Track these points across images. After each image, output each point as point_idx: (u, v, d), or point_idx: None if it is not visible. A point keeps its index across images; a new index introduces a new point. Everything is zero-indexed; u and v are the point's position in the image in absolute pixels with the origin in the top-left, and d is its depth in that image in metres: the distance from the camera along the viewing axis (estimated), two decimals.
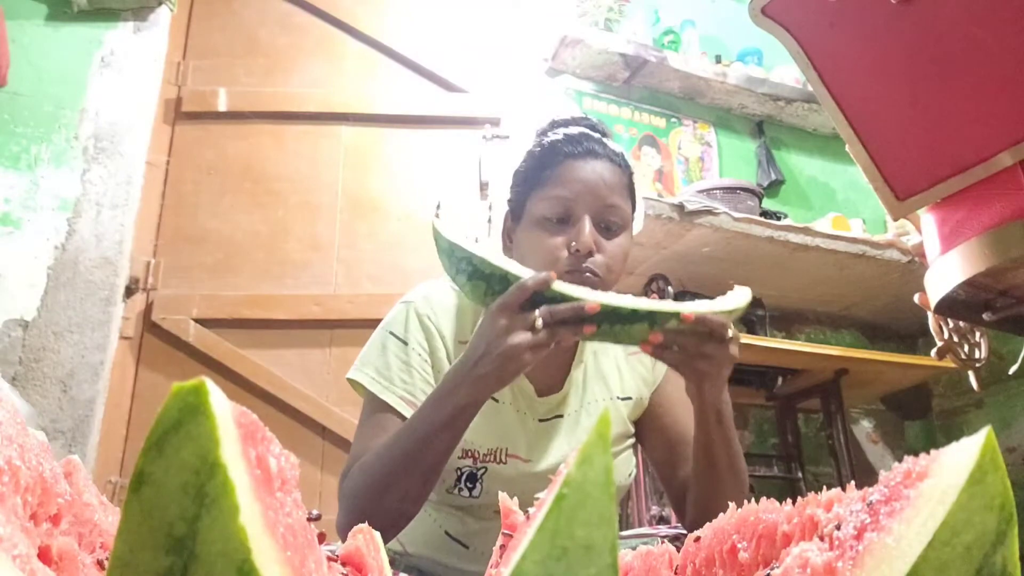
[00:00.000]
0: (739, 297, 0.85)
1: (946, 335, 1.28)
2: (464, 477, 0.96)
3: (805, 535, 0.33)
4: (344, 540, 0.60)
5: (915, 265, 2.26)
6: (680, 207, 2.05)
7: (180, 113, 2.43)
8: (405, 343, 0.97)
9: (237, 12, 2.57)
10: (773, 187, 2.88)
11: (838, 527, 0.31)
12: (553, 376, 1.02)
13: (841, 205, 2.98)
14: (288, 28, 2.58)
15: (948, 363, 1.30)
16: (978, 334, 1.28)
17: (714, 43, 2.99)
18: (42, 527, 0.34)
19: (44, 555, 0.33)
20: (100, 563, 0.37)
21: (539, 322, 0.78)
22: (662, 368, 1.07)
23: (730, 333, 0.81)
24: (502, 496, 0.55)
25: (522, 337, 0.78)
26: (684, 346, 0.80)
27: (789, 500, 0.37)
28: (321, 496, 2.10)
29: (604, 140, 0.99)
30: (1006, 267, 0.96)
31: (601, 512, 0.25)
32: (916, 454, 0.30)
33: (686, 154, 2.84)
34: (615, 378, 1.05)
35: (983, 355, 1.28)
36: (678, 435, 1.02)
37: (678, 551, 0.43)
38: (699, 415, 0.88)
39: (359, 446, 0.93)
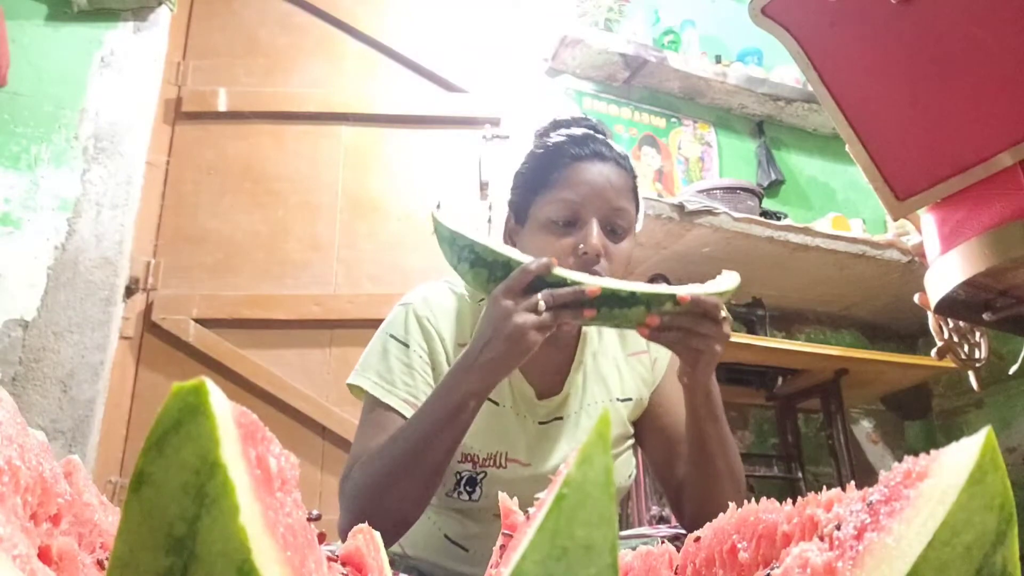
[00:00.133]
0: (728, 280, 0.89)
1: (946, 335, 1.28)
2: (464, 481, 0.96)
3: (805, 535, 0.33)
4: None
5: (915, 265, 2.26)
6: (680, 207, 2.05)
7: (180, 113, 2.43)
8: (406, 345, 0.97)
9: (237, 12, 2.57)
10: (773, 187, 2.88)
11: (838, 527, 0.31)
12: (553, 378, 1.02)
13: (841, 205, 2.98)
14: (288, 28, 2.58)
15: (948, 363, 1.30)
16: (978, 334, 1.28)
17: (714, 43, 2.99)
18: (42, 527, 0.34)
19: (44, 555, 0.33)
20: (100, 563, 0.37)
21: (542, 304, 0.80)
22: (661, 368, 1.07)
23: (723, 313, 0.84)
24: (502, 496, 0.55)
25: (527, 317, 0.80)
26: (681, 326, 0.83)
27: (789, 500, 0.37)
28: (321, 496, 2.10)
29: (609, 142, 0.99)
30: (1006, 267, 0.96)
31: (601, 512, 0.25)
32: (916, 454, 0.30)
33: (686, 154, 2.84)
34: (615, 379, 1.05)
35: (983, 355, 1.28)
36: (678, 435, 1.02)
37: (678, 551, 0.43)
38: (689, 397, 0.90)
39: (359, 448, 0.92)
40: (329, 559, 0.40)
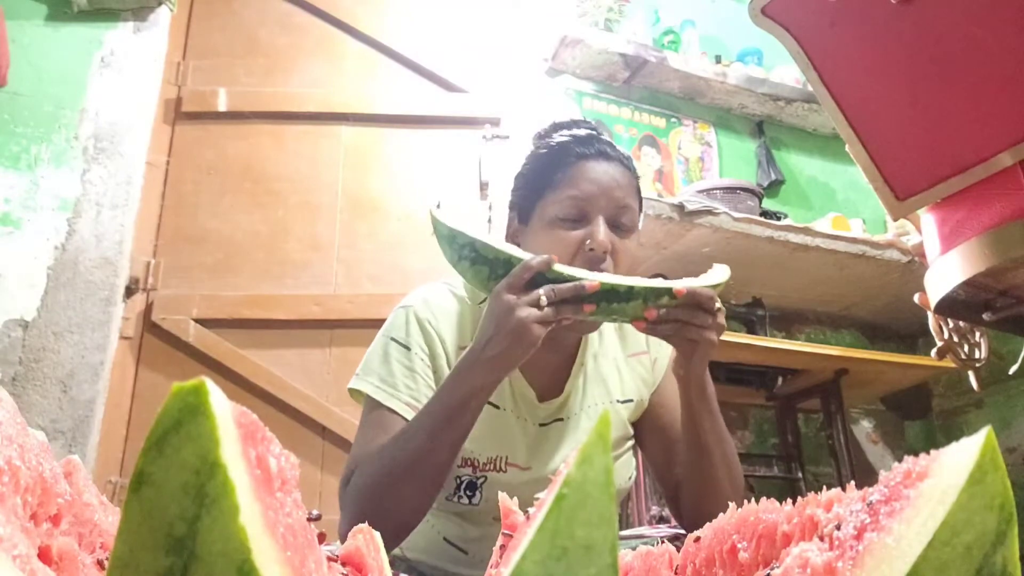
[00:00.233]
0: (720, 273, 0.91)
1: (946, 335, 1.28)
2: (464, 485, 0.96)
3: (805, 535, 0.33)
4: None
5: (915, 265, 2.26)
6: (680, 207, 2.05)
7: (180, 113, 2.43)
8: (408, 348, 0.96)
9: (237, 12, 2.57)
10: (773, 187, 2.88)
11: (838, 527, 0.31)
12: (554, 380, 1.02)
13: (841, 205, 2.98)
14: (288, 28, 2.58)
15: (948, 363, 1.30)
16: (978, 334, 1.28)
17: (714, 43, 2.99)
18: (42, 527, 0.34)
19: (44, 555, 0.33)
20: (100, 563, 0.37)
21: (544, 299, 0.82)
22: (661, 369, 1.07)
23: (717, 305, 0.87)
24: (502, 496, 0.55)
25: (529, 312, 0.81)
26: (677, 318, 0.85)
27: (789, 500, 0.37)
28: (321, 496, 2.10)
29: (612, 142, 1.00)
30: (1006, 267, 0.96)
31: (601, 512, 0.25)
32: (916, 454, 0.30)
33: (686, 154, 2.84)
34: (615, 381, 1.05)
35: (983, 355, 1.28)
36: (678, 435, 1.02)
37: (678, 551, 0.43)
38: (684, 391, 0.92)
39: (360, 451, 0.92)
40: (329, 559, 0.40)
